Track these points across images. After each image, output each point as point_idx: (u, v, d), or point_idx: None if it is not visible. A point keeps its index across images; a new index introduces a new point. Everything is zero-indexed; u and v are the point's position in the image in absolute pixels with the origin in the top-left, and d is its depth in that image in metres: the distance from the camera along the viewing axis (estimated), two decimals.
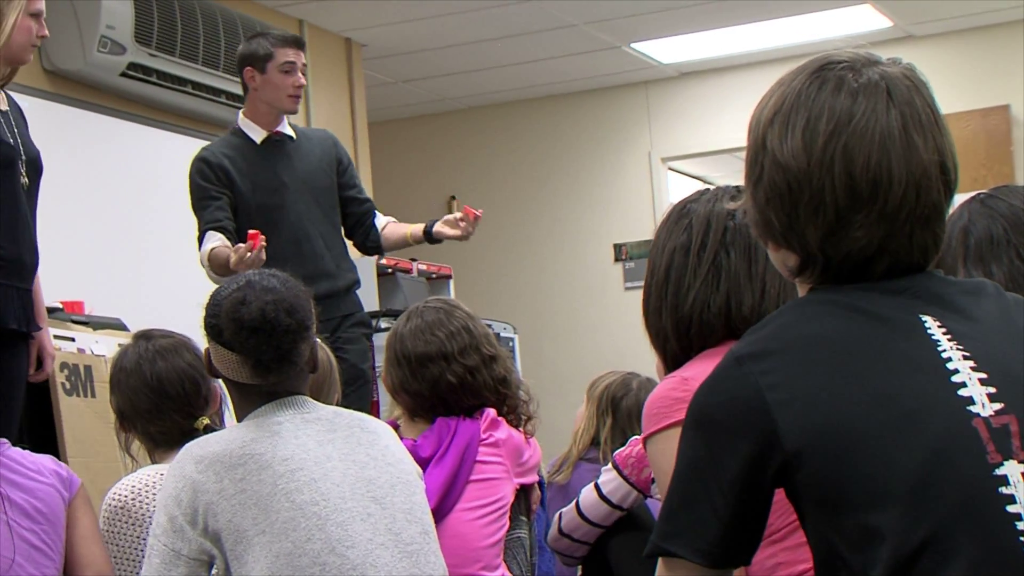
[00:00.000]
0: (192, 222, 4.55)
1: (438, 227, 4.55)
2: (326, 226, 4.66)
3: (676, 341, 2.12)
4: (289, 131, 4.68)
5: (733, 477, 1.48)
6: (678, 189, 8.64)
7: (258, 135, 4.62)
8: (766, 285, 2.11)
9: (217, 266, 4.30)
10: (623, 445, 3.29)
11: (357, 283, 4.81)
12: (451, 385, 3.11)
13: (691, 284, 2.11)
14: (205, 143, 4.68)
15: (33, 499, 2.74)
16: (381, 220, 4.79)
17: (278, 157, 4.62)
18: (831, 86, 1.55)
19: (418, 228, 4.63)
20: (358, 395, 4.43)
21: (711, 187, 2.23)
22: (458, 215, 4.52)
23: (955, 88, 7.86)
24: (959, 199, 1.89)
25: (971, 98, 7.96)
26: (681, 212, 2.19)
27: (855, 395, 1.45)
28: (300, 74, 4.58)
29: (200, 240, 4.46)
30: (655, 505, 3.17)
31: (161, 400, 2.97)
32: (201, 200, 4.50)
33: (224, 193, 4.48)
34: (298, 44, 4.62)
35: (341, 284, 4.66)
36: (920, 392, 1.45)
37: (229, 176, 4.51)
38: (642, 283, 2.19)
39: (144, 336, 3.08)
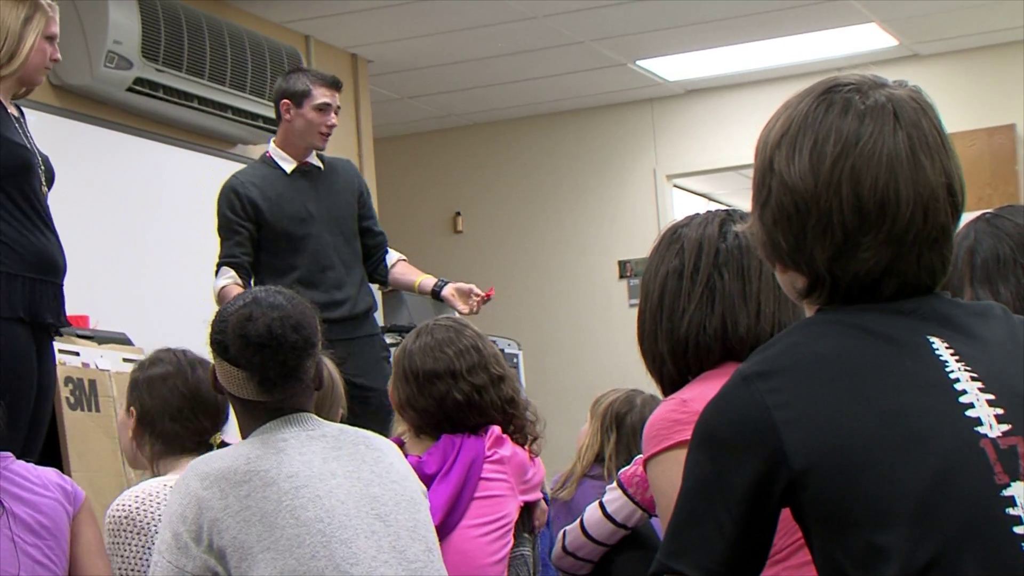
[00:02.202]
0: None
1: (448, 292, 4.83)
2: (347, 253, 4.87)
3: (673, 364, 2.13)
4: (317, 162, 4.90)
5: (740, 496, 1.48)
6: (683, 206, 8.63)
7: (288, 165, 4.83)
8: (761, 305, 2.12)
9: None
10: (627, 462, 3.28)
11: (374, 307, 5.02)
12: (457, 403, 3.11)
13: (686, 307, 2.12)
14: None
15: (37, 513, 2.74)
16: (392, 257, 5.02)
17: (306, 187, 4.82)
18: (838, 108, 1.56)
19: (428, 282, 4.92)
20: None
21: (701, 212, 2.24)
22: (475, 288, 4.80)
23: (960, 107, 7.86)
24: (965, 219, 1.89)
25: (977, 117, 7.97)
26: (672, 237, 2.20)
27: (862, 415, 1.45)
28: (333, 115, 4.81)
29: (216, 271, 4.70)
30: (660, 524, 3.16)
31: (195, 403, 3.01)
32: (223, 230, 4.74)
33: (246, 227, 4.69)
34: (336, 86, 4.84)
35: (360, 308, 4.85)
36: (927, 412, 1.45)
37: (256, 206, 4.71)
38: None
39: (172, 349, 3.13)
